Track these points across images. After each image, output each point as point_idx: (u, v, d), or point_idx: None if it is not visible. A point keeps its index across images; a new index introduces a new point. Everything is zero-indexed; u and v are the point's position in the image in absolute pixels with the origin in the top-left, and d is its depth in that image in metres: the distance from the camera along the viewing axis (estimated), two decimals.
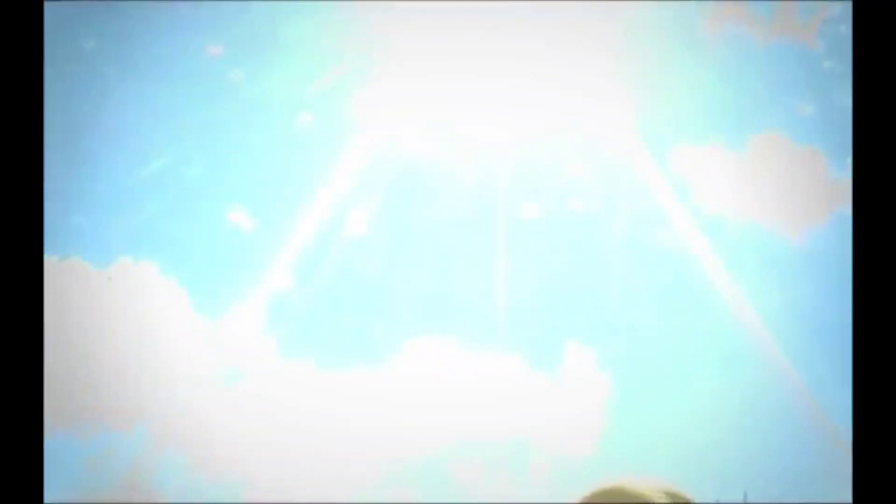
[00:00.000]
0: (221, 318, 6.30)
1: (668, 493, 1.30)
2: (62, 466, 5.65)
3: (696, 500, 1.33)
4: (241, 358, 6.31)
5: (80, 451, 5.89)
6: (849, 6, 5.71)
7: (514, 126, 6.37)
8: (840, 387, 5.65)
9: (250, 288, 6.26)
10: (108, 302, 6.12)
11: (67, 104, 5.91)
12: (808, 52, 6.34)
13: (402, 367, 6.21)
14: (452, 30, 6.09)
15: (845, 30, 6.15)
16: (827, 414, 5.90)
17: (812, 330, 6.12)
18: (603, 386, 6.19)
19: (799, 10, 6.32)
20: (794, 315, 6.17)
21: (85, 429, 5.96)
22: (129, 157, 6.20)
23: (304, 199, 6.26)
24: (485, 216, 6.32)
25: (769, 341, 6.04)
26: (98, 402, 6.01)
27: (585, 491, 1.35)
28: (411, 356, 6.23)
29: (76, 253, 6.04)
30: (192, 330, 6.22)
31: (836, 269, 5.95)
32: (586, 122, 6.40)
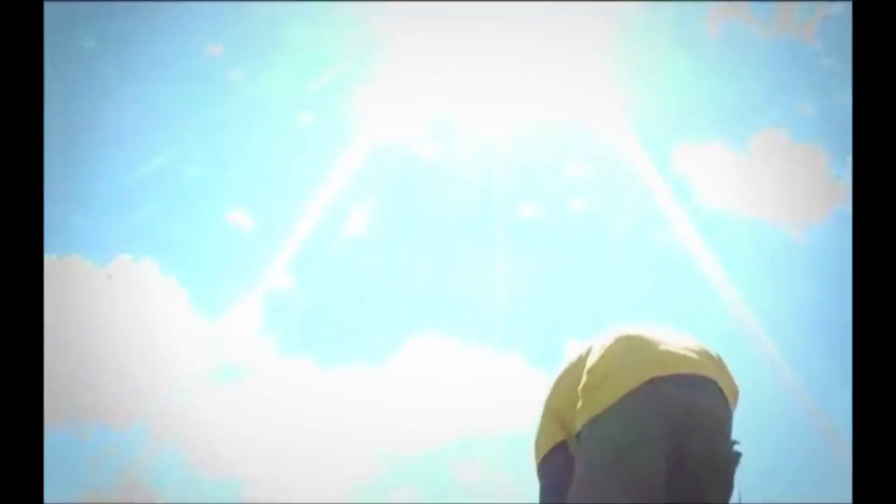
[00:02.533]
0: (221, 317, 6.31)
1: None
2: (61, 465, 5.65)
3: None
4: (241, 357, 6.32)
5: (78, 449, 5.90)
6: (848, 4, 5.70)
7: (514, 125, 6.38)
8: (840, 386, 5.65)
9: (250, 287, 6.26)
10: (107, 301, 6.12)
11: (67, 104, 5.91)
12: (807, 50, 6.34)
13: (402, 366, 6.21)
14: (453, 29, 6.08)
15: (845, 27, 6.15)
16: (826, 413, 5.90)
17: (812, 328, 6.12)
18: None
19: (798, 9, 6.33)
20: (794, 313, 6.17)
21: (84, 427, 5.96)
22: (129, 157, 6.21)
23: (304, 199, 6.27)
24: (484, 215, 6.32)
25: (769, 340, 6.04)
26: (97, 400, 6.01)
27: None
28: (411, 355, 6.24)
29: (76, 252, 6.05)
30: (191, 329, 6.22)
31: (836, 266, 5.95)
32: (586, 122, 6.41)
